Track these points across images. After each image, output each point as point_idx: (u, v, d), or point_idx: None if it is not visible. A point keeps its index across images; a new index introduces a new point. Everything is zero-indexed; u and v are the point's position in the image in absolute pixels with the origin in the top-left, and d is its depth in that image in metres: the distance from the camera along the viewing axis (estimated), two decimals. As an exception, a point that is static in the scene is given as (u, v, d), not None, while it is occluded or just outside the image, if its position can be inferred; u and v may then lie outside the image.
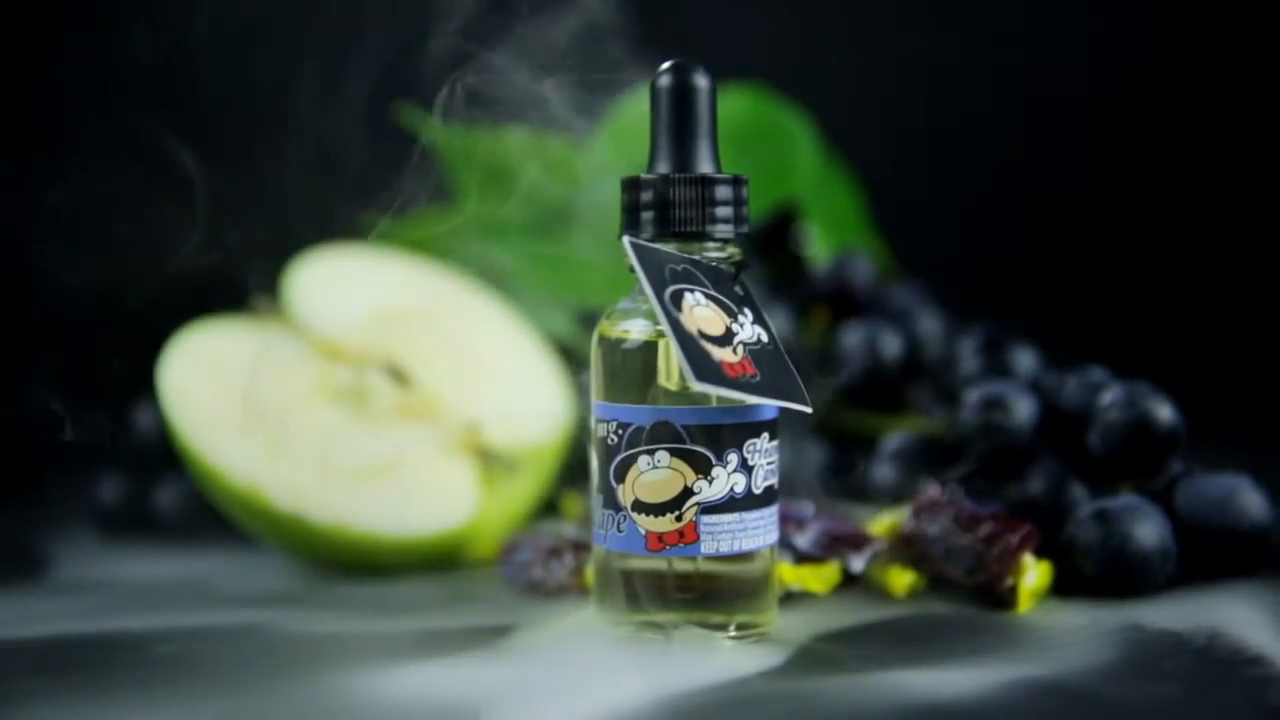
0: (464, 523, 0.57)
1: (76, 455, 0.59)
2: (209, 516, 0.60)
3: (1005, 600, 0.49)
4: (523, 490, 0.60)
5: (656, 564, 0.45)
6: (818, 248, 0.72)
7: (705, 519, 0.44)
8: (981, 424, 0.55)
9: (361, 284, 0.63)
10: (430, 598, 0.53)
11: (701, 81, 0.45)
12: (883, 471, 0.58)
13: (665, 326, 0.43)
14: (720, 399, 0.44)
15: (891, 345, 0.63)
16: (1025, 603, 0.49)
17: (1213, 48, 0.93)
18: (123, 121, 0.56)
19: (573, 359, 0.63)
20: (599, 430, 0.46)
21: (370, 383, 0.59)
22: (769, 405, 0.45)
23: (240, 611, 0.52)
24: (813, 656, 0.45)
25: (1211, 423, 0.57)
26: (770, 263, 0.70)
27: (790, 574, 0.50)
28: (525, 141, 0.69)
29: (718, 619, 0.45)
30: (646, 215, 0.45)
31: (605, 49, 0.51)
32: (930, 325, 0.65)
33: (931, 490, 0.52)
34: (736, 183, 0.45)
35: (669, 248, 0.45)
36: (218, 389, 0.57)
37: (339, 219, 0.60)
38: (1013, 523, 0.50)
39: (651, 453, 0.44)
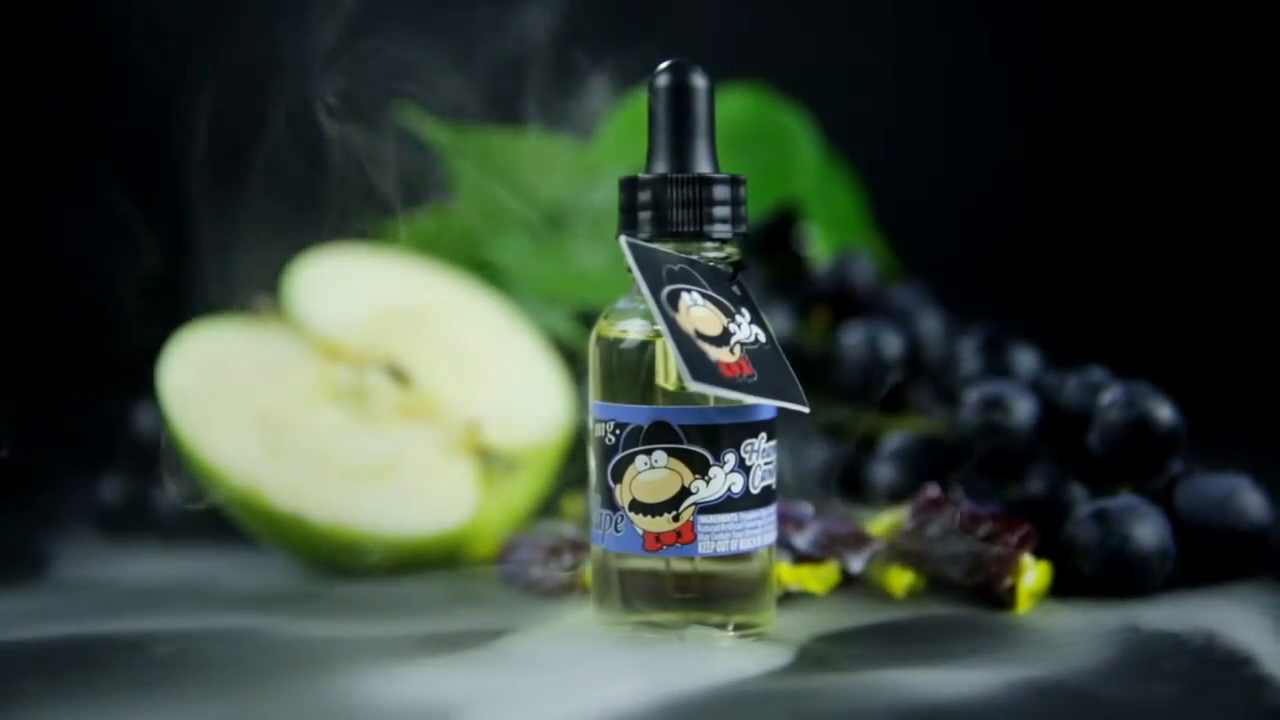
0: (464, 523, 0.57)
1: (77, 455, 0.59)
2: (209, 516, 0.60)
3: (1004, 600, 0.49)
4: (523, 490, 0.60)
5: (654, 564, 0.45)
6: (818, 248, 0.72)
7: (703, 519, 0.44)
8: (981, 424, 0.55)
9: (362, 284, 0.63)
10: (430, 598, 0.53)
11: (699, 81, 0.45)
12: (883, 471, 0.58)
13: (661, 326, 0.43)
14: (718, 399, 0.44)
15: (892, 345, 0.63)
16: (1024, 603, 0.49)
17: (1214, 48, 0.93)
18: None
19: (573, 359, 0.63)
20: (596, 430, 0.46)
21: (370, 383, 0.59)
22: (766, 405, 0.45)
23: (240, 611, 0.52)
24: (811, 657, 0.45)
25: (1211, 423, 0.57)
26: (771, 263, 0.70)
27: (789, 574, 0.50)
28: (526, 141, 0.69)
29: (716, 619, 0.45)
30: (644, 215, 0.45)
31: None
32: (931, 325, 0.65)
33: (931, 490, 0.52)
34: (734, 183, 0.45)
35: (667, 248, 0.45)
36: (218, 389, 0.57)
37: (339, 219, 0.60)
38: (1012, 523, 0.50)
39: (649, 453, 0.44)
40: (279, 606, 0.52)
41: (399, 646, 0.47)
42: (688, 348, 0.42)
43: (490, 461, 0.58)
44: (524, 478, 0.59)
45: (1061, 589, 0.50)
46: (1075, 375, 0.55)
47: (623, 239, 0.45)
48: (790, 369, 0.45)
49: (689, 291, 0.44)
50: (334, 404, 0.58)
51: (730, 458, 0.44)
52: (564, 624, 0.49)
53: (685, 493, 0.44)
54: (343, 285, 0.62)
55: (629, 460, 0.45)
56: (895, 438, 0.58)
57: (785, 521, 0.51)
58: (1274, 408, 0.81)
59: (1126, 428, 0.52)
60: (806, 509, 0.53)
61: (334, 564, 0.56)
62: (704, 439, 0.44)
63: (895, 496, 0.56)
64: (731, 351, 0.44)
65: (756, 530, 0.45)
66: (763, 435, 0.45)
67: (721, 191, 0.45)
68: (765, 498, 0.45)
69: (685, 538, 0.44)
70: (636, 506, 0.45)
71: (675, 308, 0.43)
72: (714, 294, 0.45)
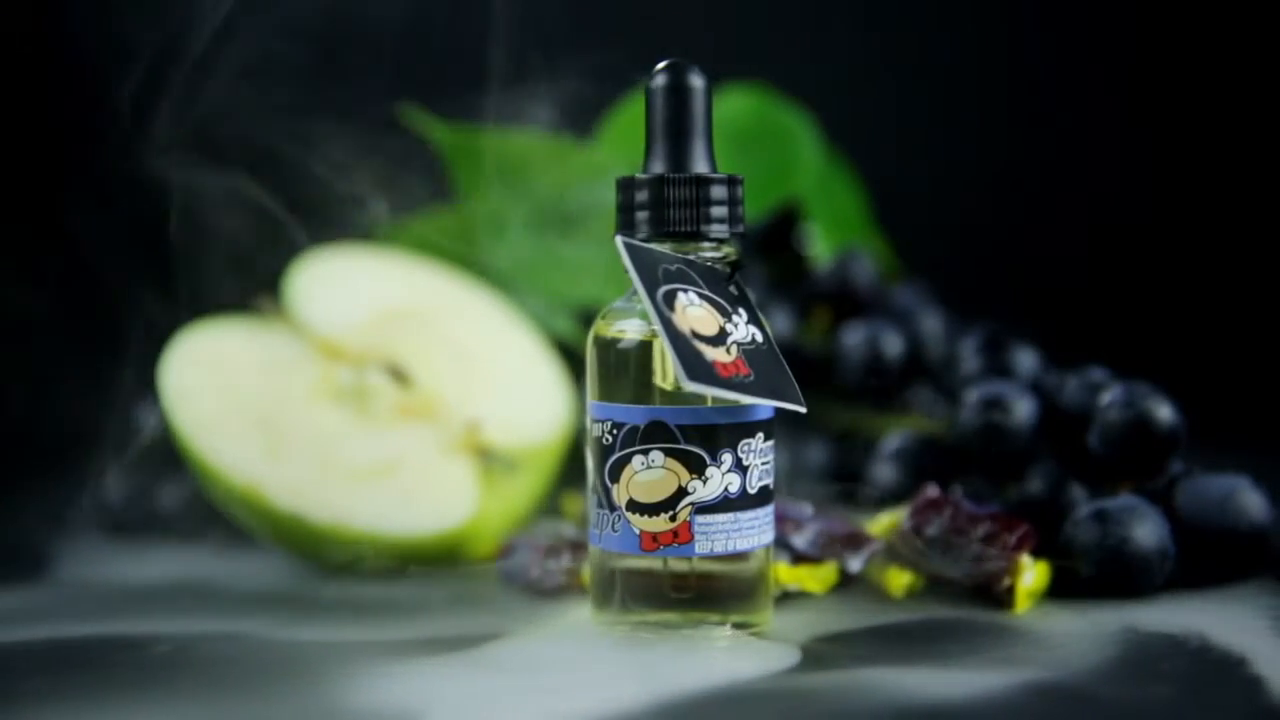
0: (464, 523, 0.57)
1: (78, 455, 0.59)
2: (209, 516, 0.60)
3: (1003, 601, 0.49)
4: (522, 490, 0.60)
5: (652, 564, 0.45)
6: (819, 247, 0.72)
7: (700, 519, 0.44)
8: (981, 424, 0.55)
9: (362, 284, 0.63)
10: (429, 598, 0.53)
11: (697, 81, 0.45)
12: (883, 471, 0.58)
13: (657, 326, 0.43)
14: (714, 399, 0.44)
15: (893, 345, 0.63)
16: (1023, 603, 0.49)
17: (1214, 48, 0.92)
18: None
19: (573, 359, 0.63)
20: (594, 430, 0.46)
21: (371, 383, 0.59)
22: (763, 405, 0.45)
23: (240, 612, 0.52)
24: (810, 657, 0.45)
25: (1211, 423, 0.56)
26: (772, 263, 0.70)
27: (787, 574, 0.50)
28: (528, 141, 0.69)
29: (713, 619, 0.45)
30: (641, 215, 0.45)
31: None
32: (931, 325, 0.65)
33: (930, 490, 0.52)
34: (731, 182, 0.45)
35: (664, 248, 0.45)
36: (218, 389, 0.57)
37: (340, 219, 0.60)
38: (1011, 523, 0.50)
39: (646, 452, 0.44)
40: (279, 607, 0.52)
41: (398, 646, 0.47)
42: (683, 347, 0.42)
43: (490, 461, 0.58)
44: (524, 478, 0.59)
45: (1060, 589, 0.50)
46: (1075, 375, 0.55)
47: (618, 239, 0.45)
48: (787, 369, 0.45)
49: (685, 291, 0.44)
50: (334, 404, 0.58)
51: (727, 458, 0.44)
52: (563, 624, 0.49)
53: (682, 493, 0.44)
54: (343, 285, 0.62)
55: (626, 460, 0.45)
56: (895, 437, 0.58)
57: (784, 521, 0.51)
58: (1274, 408, 0.81)
59: (1126, 428, 0.52)
60: (806, 509, 0.53)
61: (334, 564, 0.56)
62: (701, 439, 0.44)
63: (896, 496, 0.56)
64: (728, 351, 0.44)
65: (754, 530, 0.45)
66: (760, 435, 0.45)
67: (719, 191, 0.45)
68: (763, 497, 0.45)
69: (682, 538, 0.44)
70: (634, 506, 0.45)
71: (671, 307, 0.43)
72: (711, 294, 0.45)
